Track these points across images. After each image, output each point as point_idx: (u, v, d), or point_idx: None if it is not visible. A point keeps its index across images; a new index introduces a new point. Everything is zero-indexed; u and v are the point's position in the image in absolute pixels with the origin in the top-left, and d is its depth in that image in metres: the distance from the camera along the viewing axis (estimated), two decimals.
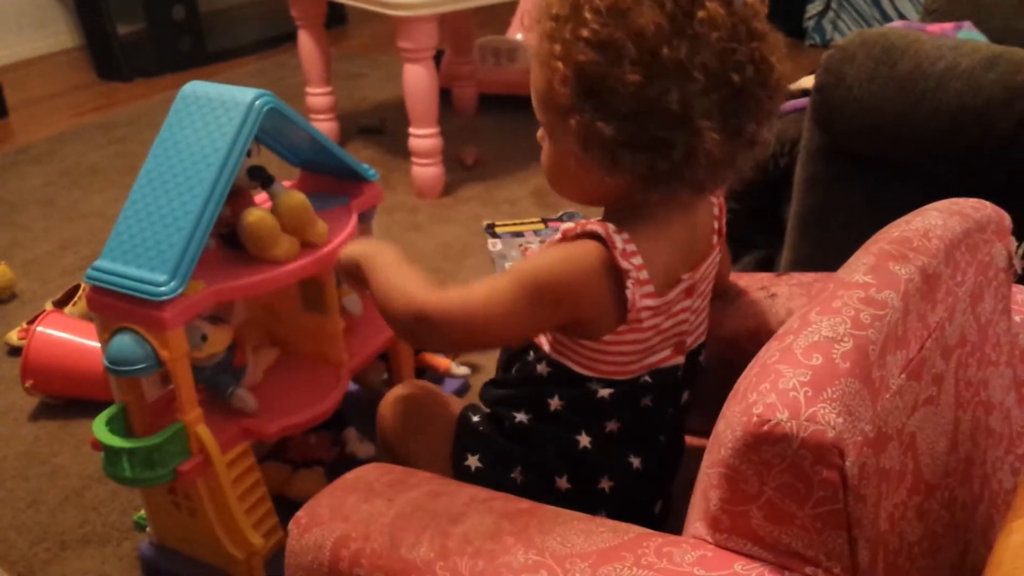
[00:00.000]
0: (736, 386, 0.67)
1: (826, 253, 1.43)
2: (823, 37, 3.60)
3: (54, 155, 2.87)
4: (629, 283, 0.80)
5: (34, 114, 3.26)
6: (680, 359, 0.91)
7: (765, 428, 0.61)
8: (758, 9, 0.78)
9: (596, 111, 0.76)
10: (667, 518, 0.98)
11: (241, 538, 1.19)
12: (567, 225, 0.84)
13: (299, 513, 0.85)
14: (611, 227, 0.80)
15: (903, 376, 0.66)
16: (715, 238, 0.92)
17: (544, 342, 0.92)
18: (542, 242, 2.20)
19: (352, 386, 1.46)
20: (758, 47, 0.77)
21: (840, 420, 0.59)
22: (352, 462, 1.38)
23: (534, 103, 0.85)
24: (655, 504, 0.97)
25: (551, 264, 0.82)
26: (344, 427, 1.42)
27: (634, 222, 0.82)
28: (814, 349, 0.64)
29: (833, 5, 3.54)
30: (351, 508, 0.82)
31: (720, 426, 0.65)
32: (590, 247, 0.81)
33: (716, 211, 0.93)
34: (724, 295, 1.07)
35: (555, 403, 0.92)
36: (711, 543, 0.66)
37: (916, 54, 1.24)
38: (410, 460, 1.04)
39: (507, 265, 2.11)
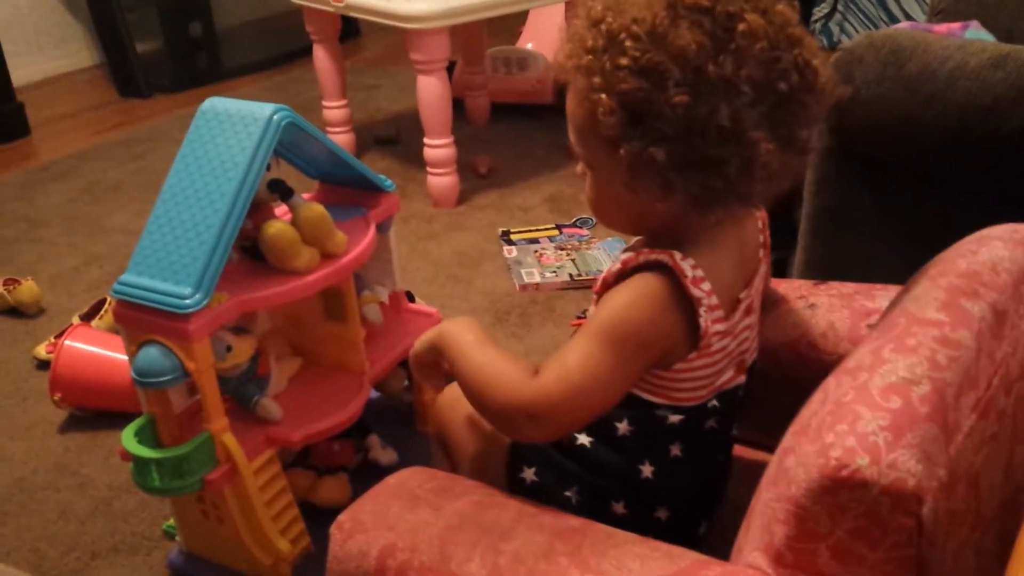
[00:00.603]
0: (804, 420, 0.66)
1: (839, 254, 1.45)
2: (830, 39, 3.60)
3: (76, 172, 2.91)
4: (702, 311, 0.78)
5: (56, 132, 3.31)
6: (742, 378, 0.90)
7: (844, 473, 0.60)
8: (791, 15, 0.77)
9: (645, 137, 0.74)
10: (708, 535, 0.96)
11: (269, 544, 1.21)
12: (627, 255, 0.82)
13: (341, 517, 0.83)
14: (677, 255, 0.78)
15: (973, 416, 0.66)
16: (761, 251, 0.90)
17: None
18: (558, 248, 2.22)
19: (373, 393, 1.48)
20: (800, 52, 0.75)
21: (920, 467, 0.59)
22: (375, 468, 1.40)
23: (573, 137, 0.83)
24: (701, 525, 0.95)
25: (624, 311, 0.79)
26: (366, 434, 1.44)
27: (692, 245, 0.80)
28: (892, 391, 0.63)
29: (839, 7, 3.54)
30: (396, 516, 0.81)
31: (789, 461, 0.65)
32: (655, 282, 0.79)
33: (760, 224, 0.91)
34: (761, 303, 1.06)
35: (623, 428, 0.89)
36: None
37: (924, 55, 1.25)
38: (463, 464, 1.03)
39: (523, 271, 2.12)
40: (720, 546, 0.95)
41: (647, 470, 0.89)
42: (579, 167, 0.86)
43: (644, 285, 0.79)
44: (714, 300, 0.80)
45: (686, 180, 0.75)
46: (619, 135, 0.76)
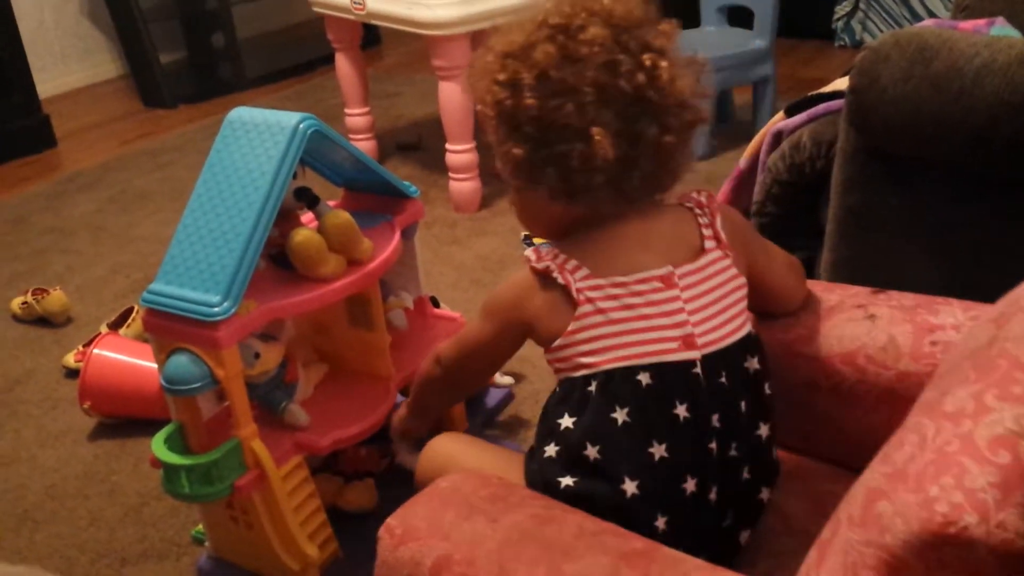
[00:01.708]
0: (898, 464, 0.65)
1: (866, 254, 1.43)
2: (852, 38, 3.58)
3: (103, 182, 2.94)
4: (555, 274, 0.90)
5: (82, 142, 3.35)
6: (693, 354, 0.89)
7: (951, 531, 0.58)
8: (667, 31, 0.90)
9: (510, 138, 0.90)
10: (749, 545, 0.94)
11: (297, 550, 1.22)
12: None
13: (391, 522, 0.82)
14: (542, 249, 0.92)
15: None
16: (708, 243, 0.92)
17: (552, 368, 0.95)
18: None
19: (399, 399, 1.49)
20: (650, 57, 0.87)
21: None
22: (401, 474, 1.41)
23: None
24: (740, 534, 0.94)
25: (498, 290, 0.98)
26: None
27: (579, 238, 0.92)
28: (999, 444, 0.61)
29: (862, 5, 3.52)
30: (451, 525, 0.79)
31: (882, 507, 0.63)
32: (525, 268, 0.93)
33: (705, 220, 0.94)
34: (812, 309, 1.03)
35: (592, 452, 0.88)
36: None
37: (951, 52, 1.23)
38: None
39: None
40: (762, 555, 0.92)
41: (630, 487, 0.87)
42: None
43: (515, 274, 0.95)
44: (572, 264, 0.90)
45: (544, 174, 0.89)
46: (497, 139, 0.92)
